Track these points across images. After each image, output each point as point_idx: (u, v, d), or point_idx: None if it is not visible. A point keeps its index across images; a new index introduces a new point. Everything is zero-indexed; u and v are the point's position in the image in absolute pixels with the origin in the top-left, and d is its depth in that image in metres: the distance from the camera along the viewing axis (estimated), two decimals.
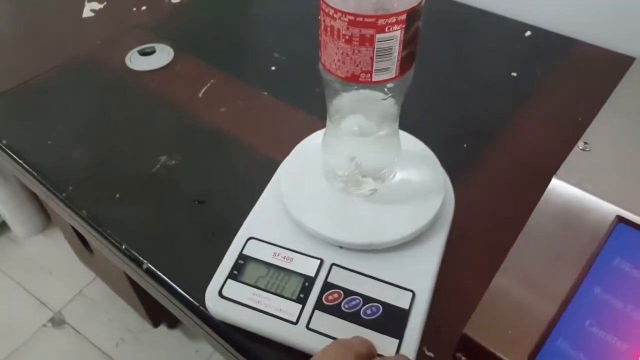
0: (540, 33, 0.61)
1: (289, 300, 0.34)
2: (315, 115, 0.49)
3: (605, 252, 0.25)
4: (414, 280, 0.35)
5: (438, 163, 0.41)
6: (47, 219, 1.18)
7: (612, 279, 0.25)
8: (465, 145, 0.48)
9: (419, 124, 0.43)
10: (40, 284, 1.09)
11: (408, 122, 0.39)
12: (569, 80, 0.55)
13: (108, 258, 0.46)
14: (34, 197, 1.10)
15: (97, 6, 0.70)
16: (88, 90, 0.56)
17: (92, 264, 1.01)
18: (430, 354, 0.33)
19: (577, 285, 0.26)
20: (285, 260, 0.36)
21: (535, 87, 0.54)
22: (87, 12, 0.69)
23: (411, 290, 0.34)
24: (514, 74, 0.55)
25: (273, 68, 0.58)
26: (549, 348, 0.26)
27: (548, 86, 0.54)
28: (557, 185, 0.27)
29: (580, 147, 0.28)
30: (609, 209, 0.25)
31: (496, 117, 0.50)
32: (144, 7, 0.69)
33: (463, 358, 0.30)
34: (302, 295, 0.34)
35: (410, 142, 0.42)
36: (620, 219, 0.25)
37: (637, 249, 0.25)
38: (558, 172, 0.27)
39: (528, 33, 0.61)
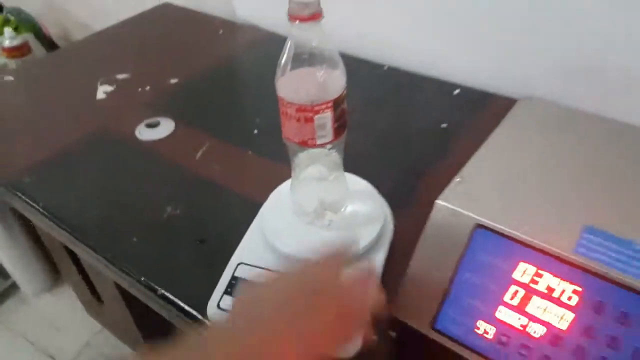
0: (466, 90, 0.76)
1: None
2: (280, 163, 0.62)
3: (470, 247, 0.39)
4: None
5: (379, 196, 0.54)
6: (54, 277, 1.29)
7: (475, 265, 0.38)
8: (404, 182, 0.61)
9: (366, 168, 0.56)
10: (49, 339, 1.18)
11: (358, 166, 0.53)
12: (487, 127, 0.69)
13: (118, 305, 0.57)
14: (43, 257, 1.21)
15: (109, 89, 0.85)
16: (106, 158, 0.69)
17: (101, 316, 1.11)
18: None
19: (455, 271, 0.39)
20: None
21: (462, 134, 0.68)
22: (100, 95, 0.84)
23: None
24: (444, 125, 0.70)
25: (255, 132, 0.72)
26: (442, 315, 0.39)
27: (471, 132, 0.68)
28: (439, 205, 0.40)
29: (457, 180, 0.42)
30: (472, 219, 0.39)
31: (428, 159, 0.64)
32: (147, 87, 0.84)
33: (390, 331, 0.42)
34: None
35: (357, 182, 0.56)
36: (478, 225, 0.38)
37: (489, 244, 0.38)
38: (439, 197, 0.40)
39: (457, 91, 0.77)
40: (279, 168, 0.58)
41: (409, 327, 0.40)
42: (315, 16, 0.38)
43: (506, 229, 0.37)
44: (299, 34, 0.40)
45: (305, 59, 0.40)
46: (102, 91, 0.85)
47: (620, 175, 0.42)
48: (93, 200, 0.63)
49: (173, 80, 0.86)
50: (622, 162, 0.44)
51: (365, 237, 0.50)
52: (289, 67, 0.41)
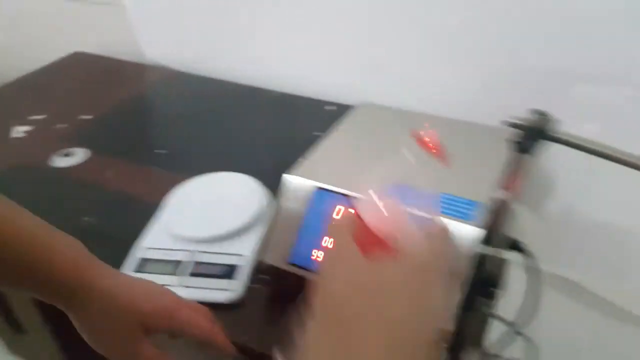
0: (339, 105, 0.94)
1: (170, 276, 0.59)
2: (179, 174, 0.75)
3: (312, 201, 0.54)
4: (244, 250, 0.61)
5: (260, 186, 0.69)
6: None
7: (313, 214, 0.54)
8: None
9: (254, 168, 0.71)
10: None
11: (247, 167, 0.68)
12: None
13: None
14: None
15: (25, 128, 0.95)
16: (22, 186, 0.79)
17: (22, 349, 1.13)
18: (254, 286, 0.59)
19: (302, 221, 0.54)
20: (168, 255, 0.61)
21: None
22: (15, 134, 0.94)
23: (241, 254, 0.61)
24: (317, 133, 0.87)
25: (156, 151, 0.85)
26: (293, 253, 0.54)
27: None
28: (285, 177, 0.56)
29: (302, 160, 0.58)
30: (310, 183, 0.54)
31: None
32: (63, 125, 0.95)
33: (262, 276, 0.57)
34: (179, 271, 0.60)
35: (242, 177, 0.70)
36: (314, 187, 0.54)
37: (322, 199, 0.54)
38: (286, 172, 0.56)
39: (328, 107, 0.95)
40: (175, 178, 0.72)
41: (271, 266, 0.55)
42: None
43: (331, 187, 0.54)
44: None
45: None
46: (17, 131, 0.94)
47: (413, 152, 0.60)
48: None
49: (87, 117, 0.98)
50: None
51: (245, 217, 0.64)
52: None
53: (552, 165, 0.80)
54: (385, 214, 0.35)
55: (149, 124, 0.97)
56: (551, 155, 0.79)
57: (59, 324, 0.85)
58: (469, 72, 0.79)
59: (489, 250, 0.49)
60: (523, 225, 0.62)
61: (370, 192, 0.37)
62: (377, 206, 0.36)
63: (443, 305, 0.34)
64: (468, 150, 0.59)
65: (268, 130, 0.90)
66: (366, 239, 0.34)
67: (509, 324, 0.55)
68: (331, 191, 0.53)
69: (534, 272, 0.53)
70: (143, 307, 0.47)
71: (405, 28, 0.82)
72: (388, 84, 0.86)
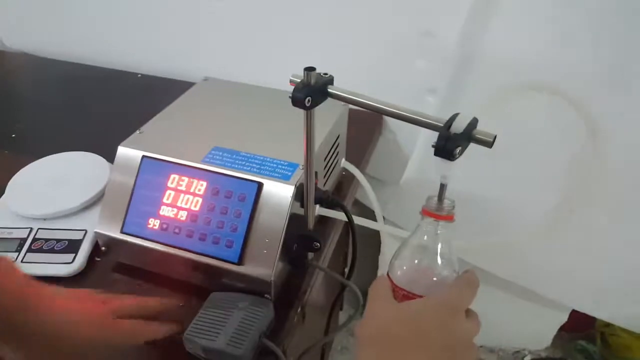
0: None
1: (10, 253, 0.59)
2: (32, 156, 0.74)
3: (140, 172, 0.56)
4: (85, 225, 0.62)
5: (105, 162, 0.70)
6: None
7: (144, 183, 0.56)
8: None
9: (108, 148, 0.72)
10: None
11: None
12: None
13: None
14: None
15: None
16: None
17: None
18: (98, 259, 0.60)
19: (132, 190, 0.56)
20: (9, 233, 0.61)
21: None
22: None
23: (84, 230, 0.61)
24: None
25: (13, 136, 0.83)
26: (127, 222, 0.56)
27: None
28: (120, 149, 0.57)
29: (137, 132, 0.60)
30: (140, 153, 0.56)
31: None
32: None
33: (103, 248, 0.58)
34: (19, 247, 0.59)
35: (87, 156, 0.71)
36: (144, 157, 0.56)
37: (152, 167, 0.56)
38: (122, 143, 0.57)
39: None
40: (24, 160, 0.71)
41: (107, 236, 0.56)
42: (448, 217, 0.41)
43: (161, 156, 0.56)
44: (427, 230, 0.42)
45: (424, 253, 0.43)
46: None
47: (246, 120, 0.64)
48: None
49: None
50: (252, 112, 0.66)
51: (88, 194, 0.65)
52: (407, 254, 0.44)
53: (396, 138, 0.88)
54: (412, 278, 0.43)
55: (2, 109, 0.93)
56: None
57: None
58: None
59: (306, 208, 0.54)
60: (367, 189, 0.68)
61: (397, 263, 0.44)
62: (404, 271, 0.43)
63: (468, 334, 0.40)
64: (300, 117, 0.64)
65: (124, 111, 0.91)
66: (398, 294, 0.43)
67: (335, 275, 0.60)
68: (159, 160, 0.56)
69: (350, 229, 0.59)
70: None
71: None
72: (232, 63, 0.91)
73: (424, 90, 0.81)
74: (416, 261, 0.43)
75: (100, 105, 0.93)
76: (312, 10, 0.83)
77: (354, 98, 0.41)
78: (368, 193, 0.67)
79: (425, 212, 0.42)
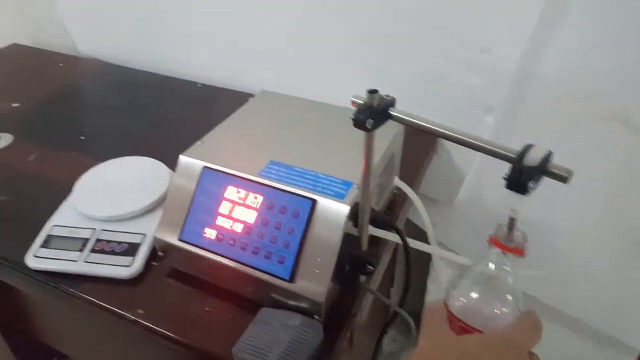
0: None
1: (74, 252, 0.62)
2: (98, 158, 0.77)
3: (200, 181, 0.58)
4: (145, 229, 0.64)
5: (166, 168, 0.72)
6: None
7: (203, 193, 0.57)
8: None
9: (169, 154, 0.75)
10: None
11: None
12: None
13: None
14: None
15: None
16: None
17: None
18: (154, 263, 0.62)
19: (192, 199, 0.57)
20: (74, 232, 0.64)
21: None
22: None
23: (143, 234, 0.64)
24: None
25: (82, 138, 0.88)
26: (185, 230, 0.57)
27: None
28: (181, 158, 0.59)
29: (198, 143, 0.62)
30: (201, 163, 0.58)
31: None
32: None
33: (160, 253, 0.60)
34: (82, 247, 0.62)
35: (149, 161, 0.74)
36: (205, 167, 0.58)
37: (211, 178, 0.57)
38: (182, 153, 0.59)
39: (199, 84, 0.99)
40: (91, 161, 0.75)
41: (165, 242, 0.58)
42: (518, 251, 0.39)
43: (220, 167, 0.57)
44: (494, 260, 0.40)
45: (488, 285, 0.41)
46: None
47: (302, 134, 0.65)
48: None
49: (15, 105, 0.99)
50: (309, 127, 0.67)
51: (150, 198, 0.67)
52: (468, 283, 0.42)
53: (451, 158, 0.86)
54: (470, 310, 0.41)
55: (73, 112, 0.99)
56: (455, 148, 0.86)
57: (8, 325, 0.87)
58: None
59: (361, 229, 0.53)
60: (421, 210, 0.67)
61: (456, 292, 0.42)
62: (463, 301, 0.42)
63: None
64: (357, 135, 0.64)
65: (186, 118, 0.94)
66: (455, 324, 0.41)
67: (387, 301, 0.59)
68: (219, 171, 0.57)
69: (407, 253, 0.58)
70: None
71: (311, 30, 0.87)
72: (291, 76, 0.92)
73: (481, 109, 0.79)
74: (478, 293, 0.41)
75: (162, 112, 0.97)
76: (368, 28, 0.83)
77: (417, 122, 0.41)
78: (421, 214, 0.65)
79: (494, 242, 0.40)
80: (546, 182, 0.36)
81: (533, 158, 0.35)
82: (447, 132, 0.40)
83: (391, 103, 0.42)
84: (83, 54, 1.20)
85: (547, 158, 0.35)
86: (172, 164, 0.72)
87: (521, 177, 0.35)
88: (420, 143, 0.82)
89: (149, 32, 1.08)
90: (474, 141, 0.38)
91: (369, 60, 0.86)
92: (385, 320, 0.98)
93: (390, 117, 0.42)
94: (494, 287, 0.41)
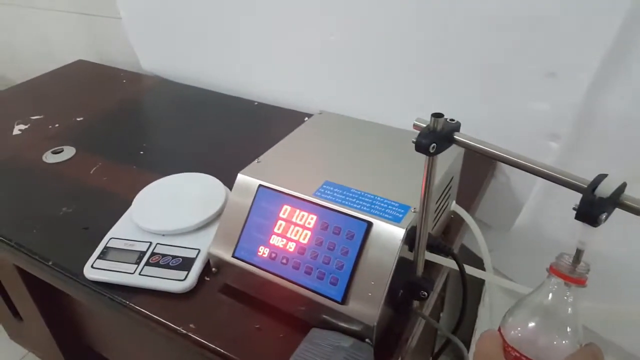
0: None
1: (129, 264, 0.63)
2: (156, 173, 0.80)
3: (256, 200, 0.58)
4: (199, 244, 0.65)
5: (221, 184, 0.73)
6: None
7: (258, 211, 0.58)
8: None
9: (225, 171, 0.76)
10: None
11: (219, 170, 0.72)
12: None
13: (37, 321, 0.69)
14: None
15: (24, 127, 1.01)
16: (16, 176, 0.85)
17: (23, 338, 1.20)
18: (207, 278, 0.63)
19: (247, 217, 0.58)
20: (130, 245, 0.66)
21: None
22: (15, 132, 1.00)
23: (198, 249, 0.65)
24: None
25: (141, 152, 0.91)
26: (239, 247, 0.58)
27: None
28: (239, 176, 0.60)
29: (256, 161, 0.62)
30: (257, 182, 0.58)
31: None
32: (57, 125, 1.01)
33: (213, 269, 0.60)
34: (138, 260, 0.64)
35: (205, 178, 0.75)
36: (260, 185, 0.58)
37: (267, 196, 0.58)
38: (240, 172, 0.60)
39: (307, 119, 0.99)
40: (150, 176, 0.77)
41: (219, 258, 0.59)
42: (579, 281, 0.38)
43: (275, 186, 0.57)
44: (554, 290, 0.39)
45: (546, 315, 0.39)
46: (17, 129, 1.01)
47: (358, 156, 0.64)
48: (3, 205, 0.78)
49: (79, 119, 1.04)
50: (365, 148, 0.66)
51: (205, 214, 0.68)
52: (526, 312, 0.40)
53: (509, 182, 0.84)
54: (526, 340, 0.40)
55: (134, 127, 1.03)
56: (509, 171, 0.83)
57: (52, 313, 0.90)
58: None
59: (418, 254, 0.52)
60: (478, 236, 0.65)
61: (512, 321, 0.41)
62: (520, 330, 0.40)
63: None
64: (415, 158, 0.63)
65: (242, 136, 0.96)
66: (509, 354, 0.40)
67: (439, 327, 0.57)
68: (274, 190, 0.57)
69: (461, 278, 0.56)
70: None
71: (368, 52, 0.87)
72: (348, 97, 0.92)
73: (545, 135, 0.76)
74: (535, 322, 0.40)
75: (218, 129, 0.99)
76: (429, 49, 0.82)
77: (483, 147, 0.40)
78: (478, 241, 0.63)
79: (554, 272, 0.38)
80: (617, 213, 0.35)
81: (605, 189, 0.33)
82: (516, 160, 0.38)
83: (456, 128, 0.41)
84: (146, 71, 1.25)
85: (620, 190, 0.33)
86: (226, 180, 0.73)
87: (593, 209, 0.33)
88: (478, 167, 0.80)
89: (211, 51, 1.11)
90: (544, 169, 0.37)
91: (429, 82, 0.85)
92: (431, 344, 0.95)
93: (455, 142, 0.41)
94: (552, 318, 0.39)
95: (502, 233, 0.86)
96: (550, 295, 0.39)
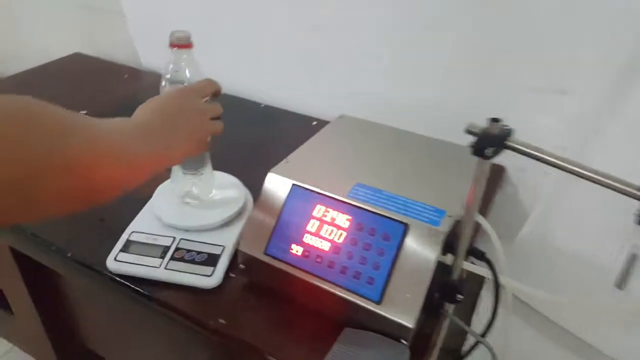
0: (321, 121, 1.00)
1: (154, 258, 0.63)
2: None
3: (288, 198, 0.59)
4: (223, 240, 0.65)
5: (242, 185, 0.74)
6: None
7: (291, 209, 0.58)
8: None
9: (241, 169, 0.76)
10: None
11: (234, 169, 0.73)
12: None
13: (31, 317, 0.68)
14: None
15: None
16: None
17: (11, 332, 1.15)
18: (233, 275, 0.63)
19: (279, 215, 0.58)
20: (151, 239, 0.65)
21: None
22: None
23: (222, 245, 0.65)
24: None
25: None
26: (270, 245, 0.58)
27: None
28: (270, 175, 0.60)
29: (284, 161, 0.63)
30: (289, 181, 0.59)
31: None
32: None
33: (241, 265, 0.61)
34: (162, 254, 0.63)
35: (227, 177, 0.75)
36: (294, 185, 0.59)
37: (300, 196, 0.58)
38: (270, 170, 0.61)
39: (314, 123, 1.01)
40: (166, 172, 0.76)
41: (249, 255, 0.59)
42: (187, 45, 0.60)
43: (310, 186, 0.58)
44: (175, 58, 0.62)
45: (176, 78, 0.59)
46: None
47: (385, 160, 0.66)
48: None
49: (83, 112, 1.02)
50: (390, 153, 0.68)
51: (228, 212, 0.68)
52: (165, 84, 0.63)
53: (525, 190, 0.87)
54: None
55: None
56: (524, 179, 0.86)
57: (46, 308, 0.88)
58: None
59: (456, 258, 0.54)
60: (495, 245, 0.67)
61: None
62: None
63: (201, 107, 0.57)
64: (440, 164, 0.66)
65: (255, 137, 0.96)
66: None
67: (469, 330, 0.59)
68: (307, 189, 0.58)
69: (493, 284, 0.58)
70: None
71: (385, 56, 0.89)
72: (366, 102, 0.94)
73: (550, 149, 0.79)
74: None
75: (230, 131, 0.98)
76: (445, 58, 0.85)
77: (537, 154, 0.42)
78: (497, 250, 0.66)
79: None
80: None
81: None
82: (568, 166, 0.40)
83: (509, 133, 0.43)
84: (146, 67, 1.24)
85: None
86: (244, 178, 0.74)
87: None
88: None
89: (211, 50, 1.10)
90: (598, 177, 0.39)
91: (437, 90, 0.88)
92: (458, 345, 0.97)
93: (509, 147, 0.43)
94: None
95: (506, 243, 0.89)
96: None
